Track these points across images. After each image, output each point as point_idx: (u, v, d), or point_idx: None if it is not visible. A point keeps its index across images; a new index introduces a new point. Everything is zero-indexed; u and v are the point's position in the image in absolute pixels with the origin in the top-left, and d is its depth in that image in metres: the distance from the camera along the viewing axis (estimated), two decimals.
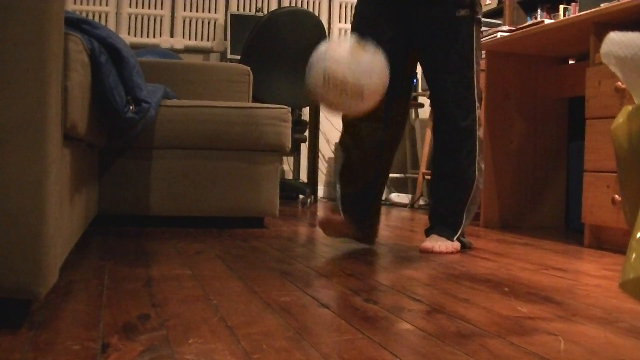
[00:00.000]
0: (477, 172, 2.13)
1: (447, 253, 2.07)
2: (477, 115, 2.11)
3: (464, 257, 2.02)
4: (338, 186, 2.23)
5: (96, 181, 2.42)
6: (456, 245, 2.12)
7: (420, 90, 4.61)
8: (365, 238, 2.20)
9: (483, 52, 3.22)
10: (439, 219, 2.18)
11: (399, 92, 2.14)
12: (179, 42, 4.71)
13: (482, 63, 3.28)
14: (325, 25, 4.47)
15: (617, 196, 2.24)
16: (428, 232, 2.19)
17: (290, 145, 2.71)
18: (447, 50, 2.08)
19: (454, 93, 2.09)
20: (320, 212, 3.64)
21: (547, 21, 2.79)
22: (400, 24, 2.12)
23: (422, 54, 2.15)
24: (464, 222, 2.15)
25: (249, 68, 3.15)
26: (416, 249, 2.17)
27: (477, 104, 2.10)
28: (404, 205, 4.43)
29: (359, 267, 1.76)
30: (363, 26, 2.11)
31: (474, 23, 2.09)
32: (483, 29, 3.69)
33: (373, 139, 2.13)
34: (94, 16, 4.58)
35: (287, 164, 4.87)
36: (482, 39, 3.32)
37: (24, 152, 0.99)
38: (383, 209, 4.09)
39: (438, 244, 2.09)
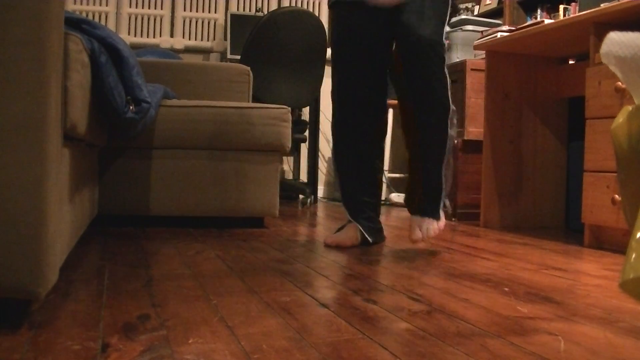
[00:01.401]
0: (449, 127, 2.09)
1: (438, 231, 2.09)
2: (445, 66, 2.07)
3: (464, 257, 2.02)
4: (339, 178, 2.25)
5: (96, 181, 2.42)
6: (442, 222, 2.11)
7: None
8: (377, 232, 2.23)
9: (482, 52, 3.23)
10: (421, 193, 2.13)
11: (385, 91, 2.20)
12: (179, 42, 4.71)
13: (482, 63, 3.28)
14: (325, 25, 4.47)
15: (617, 196, 2.24)
16: (412, 208, 2.16)
17: (290, 145, 2.71)
18: (423, 9, 2.04)
19: (427, 42, 2.01)
20: (321, 212, 3.64)
21: (547, 21, 2.79)
22: (380, 24, 2.14)
23: (397, 20, 2.07)
24: (443, 185, 2.12)
25: (249, 68, 3.15)
26: (416, 249, 2.17)
27: (444, 56, 2.07)
28: (404, 205, 4.43)
29: (359, 267, 1.76)
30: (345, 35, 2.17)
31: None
32: (483, 28, 3.70)
33: (366, 125, 2.19)
34: (94, 16, 4.58)
35: (287, 164, 4.87)
36: (482, 39, 3.33)
37: (24, 152, 0.99)
38: (383, 209, 4.09)
39: (426, 230, 2.07)
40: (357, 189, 2.22)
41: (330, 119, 2.31)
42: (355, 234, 2.19)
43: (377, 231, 2.25)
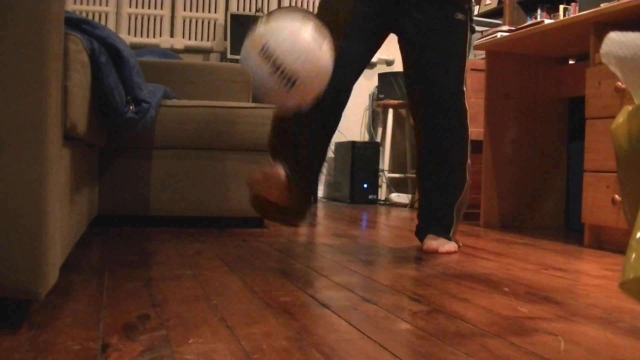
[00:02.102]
0: (467, 174, 2.17)
1: (450, 253, 2.08)
2: (467, 117, 2.14)
3: (464, 257, 2.02)
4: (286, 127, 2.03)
5: (96, 181, 2.42)
6: (455, 245, 2.14)
7: None
8: (299, 207, 2.04)
9: (482, 52, 3.23)
10: (432, 219, 2.18)
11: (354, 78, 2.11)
12: (179, 42, 4.71)
13: (482, 63, 3.28)
14: None
15: (617, 196, 2.24)
16: (422, 233, 2.19)
17: None
18: (444, 50, 2.07)
19: (448, 92, 2.08)
20: (321, 212, 3.64)
21: (547, 21, 2.79)
22: (386, 23, 2.10)
23: (415, 53, 2.11)
24: (454, 222, 2.17)
25: None
26: (416, 249, 2.17)
27: (466, 106, 2.13)
28: (404, 205, 4.43)
29: (359, 267, 1.76)
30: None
31: (469, 30, 2.12)
32: (483, 29, 3.71)
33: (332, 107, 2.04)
34: (94, 16, 4.58)
35: None
36: (482, 39, 3.33)
37: (24, 152, 0.99)
38: (383, 209, 4.09)
39: (442, 244, 2.10)
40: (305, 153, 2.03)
41: None
42: (282, 172, 1.93)
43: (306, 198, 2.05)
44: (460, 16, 2.08)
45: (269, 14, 1.76)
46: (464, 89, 2.13)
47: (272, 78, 1.65)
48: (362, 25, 2.06)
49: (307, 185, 2.04)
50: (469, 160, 2.18)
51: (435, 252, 2.07)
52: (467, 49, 2.13)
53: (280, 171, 1.92)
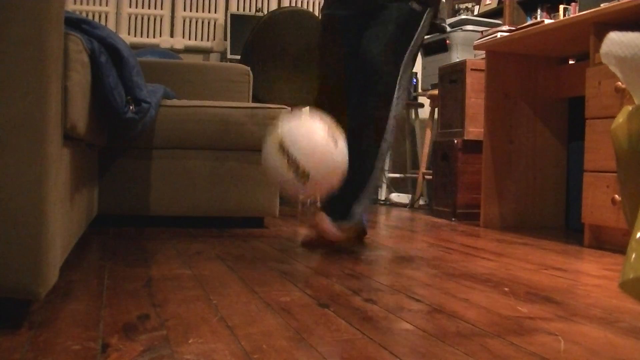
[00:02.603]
0: (378, 161, 2.08)
1: (334, 241, 2.02)
2: (392, 98, 2.07)
3: (464, 257, 2.02)
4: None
5: (96, 181, 2.42)
6: (340, 236, 2.03)
7: (420, 90, 4.61)
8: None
9: (482, 52, 3.23)
10: (333, 203, 2.07)
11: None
12: (179, 42, 4.71)
13: (482, 63, 3.28)
14: None
15: (617, 196, 2.24)
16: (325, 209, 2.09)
17: None
18: (384, 27, 2.11)
19: (372, 59, 2.07)
20: None
21: (547, 21, 2.79)
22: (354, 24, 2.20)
23: (366, 28, 2.16)
24: (354, 216, 2.07)
25: (249, 68, 3.15)
26: (416, 249, 2.17)
27: (395, 89, 2.08)
28: (404, 205, 4.43)
29: (359, 267, 1.76)
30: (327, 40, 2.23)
31: (423, 21, 2.16)
32: (483, 28, 3.70)
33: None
34: (94, 16, 4.58)
35: None
36: (482, 39, 3.33)
37: (24, 152, 0.99)
38: (383, 209, 4.09)
39: (330, 227, 2.01)
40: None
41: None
42: (325, 217, 2.01)
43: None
44: (415, 6, 2.14)
45: (290, 113, 1.84)
46: (399, 71, 2.09)
47: (289, 172, 1.76)
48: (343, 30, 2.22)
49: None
50: (383, 148, 2.08)
51: (322, 232, 2.00)
52: (417, 38, 2.14)
53: (328, 224, 2.00)
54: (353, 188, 2.04)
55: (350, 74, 2.20)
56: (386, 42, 2.10)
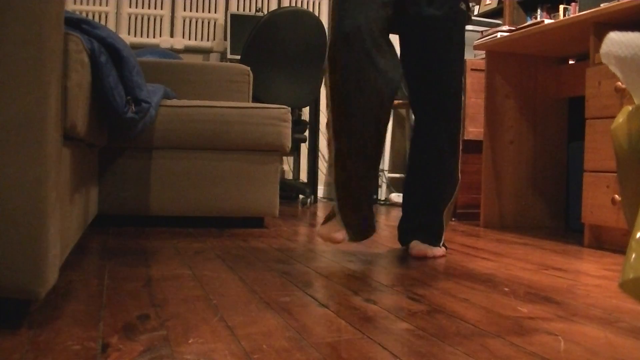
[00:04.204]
0: (458, 174, 2.07)
1: (438, 257, 1.99)
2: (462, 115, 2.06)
3: (464, 257, 2.02)
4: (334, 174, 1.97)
5: (96, 181, 2.42)
6: (444, 250, 2.04)
7: None
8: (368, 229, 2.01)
9: (482, 52, 3.23)
10: (419, 225, 2.06)
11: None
12: (179, 42, 4.71)
13: (482, 63, 3.29)
14: (325, 25, 4.47)
15: (617, 196, 2.24)
16: (407, 238, 2.08)
17: (290, 145, 2.71)
18: (449, 44, 2.00)
19: (448, 92, 2.00)
20: (321, 212, 3.64)
21: (547, 21, 2.79)
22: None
23: (419, 50, 2.01)
24: (444, 228, 2.06)
25: (249, 68, 3.15)
26: None
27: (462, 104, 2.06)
28: None
29: (359, 267, 1.76)
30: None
31: (466, 18, 2.07)
32: (483, 28, 3.70)
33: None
34: (94, 16, 4.58)
35: (287, 164, 4.87)
36: (482, 39, 3.33)
37: (24, 152, 0.99)
38: (383, 209, 4.09)
39: (429, 248, 1.99)
40: (358, 176, 1.94)
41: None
42: (344, 231, 1.94)
43: (365, 229, 2.00)
44: (463, 6, 2.02)
45: None
46: (461, 78, 2.05)
47: None
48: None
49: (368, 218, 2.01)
50: (459, 160, 2.08)
51: (424, 257, 1.97)
52: (464, 40, 2.07)
53: (341, 235, 1.93)
54: (440, 223, 2.04)
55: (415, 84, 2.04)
56: (456, 66, 2.01)
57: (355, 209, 1.93)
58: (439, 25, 1.99)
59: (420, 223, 2.06)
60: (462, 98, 2.07)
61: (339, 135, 1.87)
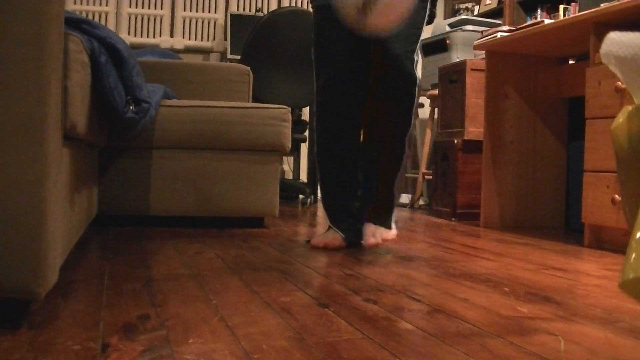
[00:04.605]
0: (407, 147, 2.16)
1: (389, 240, 2.11)
2: (416, 86, 2.13)
3: (464, 257, 2.02)
4: (321, 183, 2.26)
5: (96, 181, 2.42)
6: (395, 231, 2.14)
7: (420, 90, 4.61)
8: (359, 233, 2.15)
9: (482, 52, 3.23)
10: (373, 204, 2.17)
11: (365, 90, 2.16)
12: (179, 42, 4.71)
13: (482, 63, 3.28)
14: None
15: (617, 196, 2.24)
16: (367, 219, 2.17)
17: (290, 145, 2.71)
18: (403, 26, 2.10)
19: (405, 51, 2.08)
20: (321, 212, 3.64)
21: (547, 21, 2.79)
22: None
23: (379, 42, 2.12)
24: (394, 203, 2.18)
25: (249, 68, 3.15)
26: (416, 249, 2.17)
27: (416, 75, 2.11)
28: (404, 205, 4.43)
29: (359, 267, 1.76)
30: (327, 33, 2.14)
31: (427, 10, 2.17)
32: (483, 28, 3.70)
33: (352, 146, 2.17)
34: (94, 16, 4.58)
35: (287, 164, 4.87)
36: (482, 39, 3.33)
37: (24, 152, 0.99)
38: None
39: (381, 233, 2.09)
40: (339, 194, 2.18)
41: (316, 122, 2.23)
42: (338, 236, 2.13)
43: (358, 232, 2.16)
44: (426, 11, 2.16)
45: None
46: (415, 57, 2.11)
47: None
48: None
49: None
50: (410, 133, 2.16)
51: (377, 245, 2.10)
52: (422, 30, 2.16)
53: (338, 239, 2.13)
54: (391, 198, 2.16)
55: (357, 71, 2.14)
56: (409, 41, 2.09)
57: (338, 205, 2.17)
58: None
59: (380, 203, 2.17)
60: (414, 69, 2.13)
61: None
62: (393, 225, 2.16)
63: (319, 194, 4.83)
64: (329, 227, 2.18)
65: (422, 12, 2.15)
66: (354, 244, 2.16)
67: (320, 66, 2.15)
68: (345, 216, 2.16)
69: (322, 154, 2.19)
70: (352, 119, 2.15)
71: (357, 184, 2.19)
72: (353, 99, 2.14)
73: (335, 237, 2.13)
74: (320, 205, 4.21)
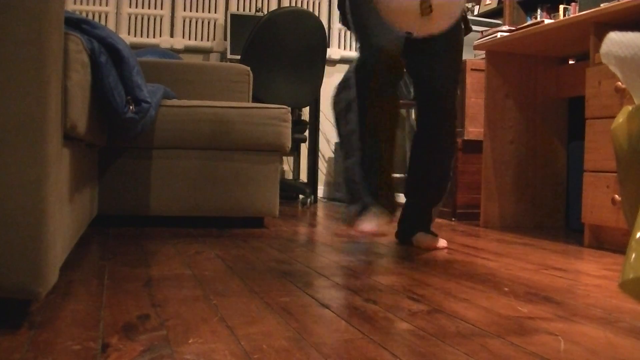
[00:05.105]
0: (451, 173, 2.26)
1: (444, 248, 2.20)
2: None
3: (464, 257, 2.02)
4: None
5: (96, 181, 2.42)
6: (445, 241, 2.25)
7: None
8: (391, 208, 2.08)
9: (482, 52, 3.23)
10: (417, 221, 2.25)
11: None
12: (179, 42, 4.71)
13: (482, 63, 3.29)
14: (325, 26, 4.47)
15: (617, 196, 2.24)
16: (407, 234, 2.26)
17: (290, 145, 2.72)
18: (453, 59, 2.17)
19: (452, 100, 2.16)
20: (321, 212, 3.64)
21: (547, 21, 2.79)
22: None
23: (427, 60, 2.15)
24: (433, 219, 2.27)
25: (249, 68, 3.15)
26: (416, 249, 2.17)
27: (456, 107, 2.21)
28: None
29: (359, 267, 1.76)
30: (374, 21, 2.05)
31: (465, 31, 2.23)
32: (483, 28, 3.71)
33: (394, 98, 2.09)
34: (94, 16, 4.58)
35: (287, 164, 4.87)
36: (482, 39, 3.33)
37: (24, 152, 0.99)
38: None
39: (435, 240, 2.20)
40: (381, 165, 2.04)
41: (330, 119, 2.27)
42: (387, 216, 1.99)
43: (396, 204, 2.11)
44: (462, 23, 2.18)
45: None
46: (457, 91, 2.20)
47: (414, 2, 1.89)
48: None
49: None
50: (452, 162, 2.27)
51: (433, 249, 2.16)
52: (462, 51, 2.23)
53: (387, 222, 2.01)
54: (434, 204, 2.24)
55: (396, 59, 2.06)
56: (457, 74, 2.16)
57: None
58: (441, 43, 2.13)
59: (421, 218, 2.25)
60: (456, 103, 2.20)
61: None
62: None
63: (319, 194, 4.83)
64: (367, 205, 1.98)
65: (460, 32, 2.18)
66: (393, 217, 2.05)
67: (364, 33, 2.06)
68: (386, 190, 2.03)
69: (362, 112, 2.02)
70: (395, 88, 2.06)
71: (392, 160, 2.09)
72: (398, 73, 2.05)
73: (384, 221, 1.98)
74: (320, 205, 4.20)
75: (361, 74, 2.02)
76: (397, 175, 4.81)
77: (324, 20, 4.79)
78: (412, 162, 2.25)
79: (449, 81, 2.15)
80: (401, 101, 2.23)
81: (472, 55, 3.73)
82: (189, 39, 4.76)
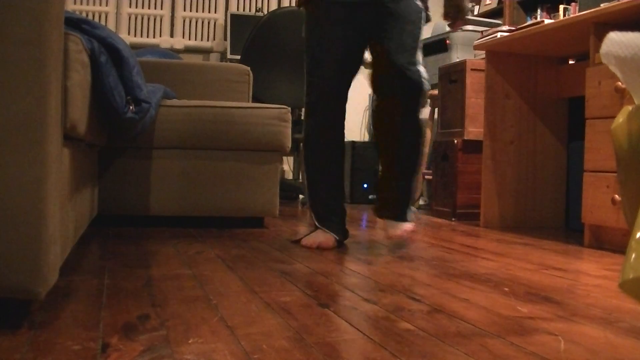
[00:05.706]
0: (423, 144, 2.25)
1: (411, 230, 2.23)
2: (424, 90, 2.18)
3: (464, 257, 2.02)
4: (308, 185, 2.26)
5: (96, 181, 2.42)
6: (413, 223, 2.25)
7: None
8: (345, 232, 2.25)
9: (482, 52, 3.23)
10: (394, 200, 2.24)
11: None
12: (179, 42, 4.71)
13: (482, 63, 3.28)
14: None
15: (617, 196, 2.24)
16: (382, 212, 2.27)
17: (290, 145, 2.72)
18: (409, 26, 2.14)
19: (408, 62, 2.11)
20: None
21: (547, 21, 2.79)
22: (355, 25, 2.16)
23: (380, 34, 2.14)
24: (412, 198, 2.26)
25: (249, 68, 3.15)
26: (416, 249, 2.17)
27: (424, 80, 2.15)
28: None
29: (359, 267, 1.76)
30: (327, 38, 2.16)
31: (423, 19, 2.21)
32: (483, 28, 3.71)
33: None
34: (94, 16, 4.58)
35: (287, 164, 4.87)
36: (482, 39, 3.33)
37: (24, 152, 0.99)
38: None
39: (402, 227, 2.21)
40: (327, 195, 2.22)
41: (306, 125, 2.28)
42: (330, 236, 2.17)
43: (346, 232, 2.25)
44: (419, 2, 2.18)
45: None
46: (420, 67, 2.14)
47: None
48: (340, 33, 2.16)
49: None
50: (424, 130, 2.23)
51: (400, 238, 2.22)
52: (421, 32, 2.21)
53: (331, 240, 2.17)
54: (408, 194, 2.24)
55: (347, 73, 2.19)
56: (414, 48, 2.14)
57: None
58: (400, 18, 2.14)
59: (396, 196, 2.24)
60: (419, 72, 2.16)
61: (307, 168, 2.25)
62: (411, 217, 2.25)
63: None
64: (317, 227, 2.21)
65: (419, 22, 2.18)
66: (342, 244, 2.22)
67: (313, 67, 2.18)
68: (334, 216, 2.21)
69: (309, 153, 2.24)
70: (339, 118, 2.22)
71: (342, 184, 2.26)
72: (340, 100, 2.20)
73: (328, 238, 2.16)
74: None
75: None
76: None
77: None
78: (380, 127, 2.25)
79: (409, 57, 2.14)
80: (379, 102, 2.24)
81: (472, 55, 3.73)
82: (189, 39, 4.76)
